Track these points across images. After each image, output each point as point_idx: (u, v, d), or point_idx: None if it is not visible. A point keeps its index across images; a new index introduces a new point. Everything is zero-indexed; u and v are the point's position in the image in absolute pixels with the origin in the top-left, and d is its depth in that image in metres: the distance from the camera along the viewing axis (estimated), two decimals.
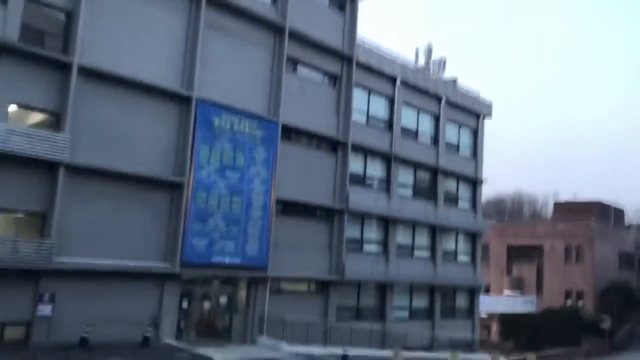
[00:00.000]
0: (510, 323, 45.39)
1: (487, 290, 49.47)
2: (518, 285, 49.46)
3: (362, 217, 27.13)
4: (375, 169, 28.32)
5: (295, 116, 23.78)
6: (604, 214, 49.84)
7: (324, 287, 25.01)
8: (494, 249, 51.66)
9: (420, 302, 30.50)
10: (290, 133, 24.02)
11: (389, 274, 27.69)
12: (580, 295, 46.61)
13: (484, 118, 35.17)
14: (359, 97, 27.09)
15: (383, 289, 27.91)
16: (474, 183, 34.40)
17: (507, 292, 49.83)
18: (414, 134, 30.59)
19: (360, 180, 27.39)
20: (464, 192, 34.02)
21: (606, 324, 42.62)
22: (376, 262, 27.33)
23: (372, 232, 28.05)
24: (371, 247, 27.83)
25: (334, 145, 25.81)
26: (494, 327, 48.23)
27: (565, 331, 42.76)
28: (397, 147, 28.81)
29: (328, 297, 24.95)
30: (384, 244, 28.28)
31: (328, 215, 25.47)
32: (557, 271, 47.77)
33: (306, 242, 24.25)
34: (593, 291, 46.08)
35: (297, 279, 24.15)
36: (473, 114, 34.44)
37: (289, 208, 23.95)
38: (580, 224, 47.33)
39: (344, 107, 26.07)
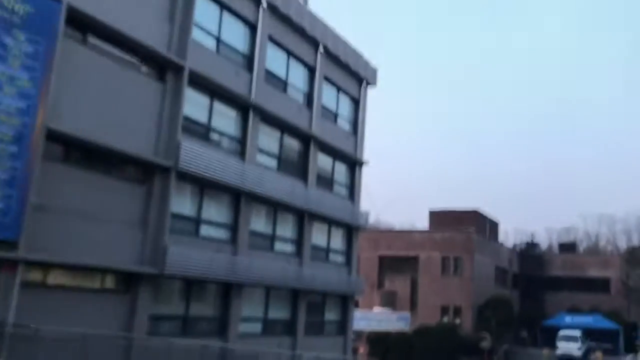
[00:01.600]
0: (381, 343, 39.35)
1: (356, 306, 43.11)
2: (390, 301, 43.46)
3: (200, 185, 18.57)
4: (226, 120, 19.99)
5: (98, 3, 14.82)
6: (480, 224, 45.92)
7: (130, 283, 15.90)
8: (365, 259, 45.40)
9: (280, 312, 22.46)
10: (85, 29, 14.94)
11: (238, 271, 19.24)
12: (457, 312, 41.62)
13: (367, 86, 28.56)
14: (205, 10, 18.67)
15: (227, 291, 19.42)
16: (353, 165, 27.42)
17: (378, 308, 43.65)
18: (282, 84, 22.82)
19: (202, 131, 18.89)
20: (341, 174, 26.86)
21: (486, 344, 37.80)
22: (219, 253, 18.78)
23: (216, 209, 19.57)
24: (213, 231, 19.26)
25: (163, 68, 17.09)
26: (362, 349, 41.84)
27: (441, 351, 37.45)
28: (259, 95, 20.79)
29: (136, 300, 15.86)
30: (233, 228, 19.88)
31: (146, 173, 16.59)
32: (433, 285, 42.52)
33: (104, 210, 15.14)
34: (471, 307, 41.31)
35: (81, 268, 14.79)
36: (355, 78, 27.62)
37: (74, 151, 14.77)
38: (461, 232, 42.67)
39: (181, 15, 17.48)
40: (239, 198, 20.02)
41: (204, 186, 18.69)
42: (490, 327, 39.90)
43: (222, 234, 19.59)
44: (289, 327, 22.67)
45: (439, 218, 46.21)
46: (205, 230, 18.83)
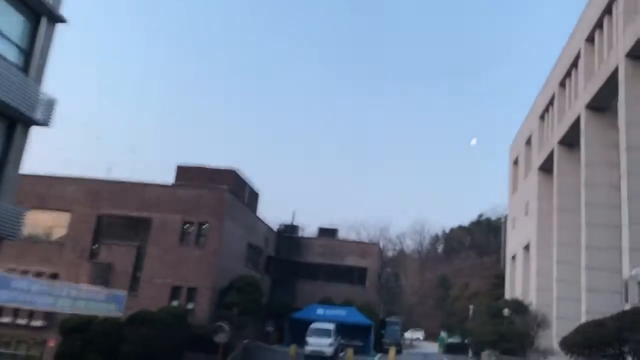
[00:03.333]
0: (78, 333, 27.78)
1: (54, 278, 30.59)
2: (104, 276, 31.77)
3: None
4: None
5: None
6: (238, 188, 37.11)
7: None
8: (78, 218, 33.11)
9: None
10: None
11: None
12: (192, 294, 31.85)
13: None
14: None
15: None
16: (37, 15, 15.78)
17: (85, 285, 31.59)
18: None
19: None
20: (7, 21, 15.01)
21: (221, 337, 28.66)
22: None
23: None
24: None
25: None
26: (52, 342, 29.58)
27: (164, 345, 27.44)
28: None
29: None
30: None
31: None
32: (166, 257, 32.13)
33: None
34: (212, 289, 31.94)
35: None
36: None
37: None
38: (212, 190, 33.23)
39: None
40: None
41: None
42: (231, 317, 31.08)
43: None
44: None
45: (188, 175, 36.09)
46: None
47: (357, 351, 37.75)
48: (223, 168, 36.56)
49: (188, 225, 32.55)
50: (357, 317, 40.37)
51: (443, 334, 60.94)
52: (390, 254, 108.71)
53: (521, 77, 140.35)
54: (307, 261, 46.32)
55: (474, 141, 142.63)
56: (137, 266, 32.35)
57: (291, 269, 45.57)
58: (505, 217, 51.57)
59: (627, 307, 18.48)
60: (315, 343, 33.98)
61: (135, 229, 33.30)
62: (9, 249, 16.60)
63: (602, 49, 23.80)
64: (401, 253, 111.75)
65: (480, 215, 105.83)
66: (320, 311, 40.51)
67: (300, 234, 48.12)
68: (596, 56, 24.36)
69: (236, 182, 36.80)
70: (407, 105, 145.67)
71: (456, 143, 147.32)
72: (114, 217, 33.27)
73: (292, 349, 34.32)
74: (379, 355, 40.35)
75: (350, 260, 46.21)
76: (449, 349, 53.71)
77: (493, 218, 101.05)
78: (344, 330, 38.16)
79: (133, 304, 30.42)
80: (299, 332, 37.30)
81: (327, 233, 49.16)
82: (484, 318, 31.78)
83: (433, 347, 61.98)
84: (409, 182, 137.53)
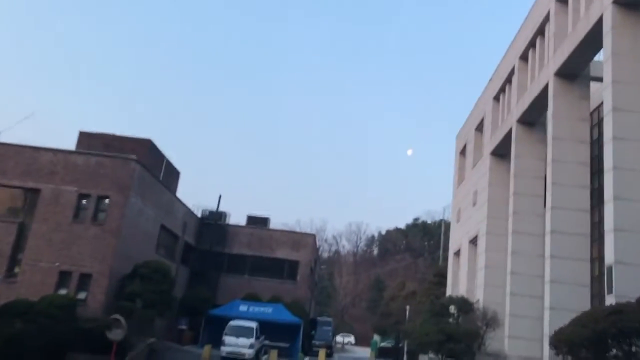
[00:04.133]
0: None
1: None
2: None
3: None
4: None
5: None
6: (154, 162, 31.95)
7: None
8: None
9: None
10: None
11: None
12: (85, 281, 26.46)
13: None
14: None
15: None
16: None
17: None
18: None
19: None
20: None
21: (116, 333, 23.47)
22: None
23: None
24: None
25: None
26: None
27: (43, 342, 22.15)
28: None
29: None
30: None
31: None
32: (55, 237, 26.60)
33: None
34: (110, 276, 26.63)
35: None
36: None
37: None
38: (117, 158, 27.99)
39: None
40: None
41: None
42: (133, 310, 26.00)
43: None
44: None
45: (93, 143, 30.65)
46: None
47: (283, 353, 33.44)
48: (135, 137, 31.34)
49: (84, 198, 27.15)
50: (284, 315, 36.00)
51: (376, 337, 57.80)
52: (325, 255, 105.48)
53: (465, 77, 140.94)
54: (233, 252, 41.51)
55: (409, 152, 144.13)
56: (18, 246, 26.65)
57: (213, 261, 40.60)
58: (442, 221, 48.92)
59: (611, 298, 15.13)
60: (234, 343, 29.35)
61: (19, 201, 27.58)
62: None
63: (578, 6, 20.67)
64: (336, 254, 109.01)
65: (416, 219, 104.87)
66: (242, 308, 35.90)
67: (227, 222, 43.18)
68: (570, 15, 21.23)
69: (151, 153, 31.67)
70: (343, 105, 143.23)
71: (394, 146, 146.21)
72: None
73: (206, 349, 29.51)
74: (307, 358, 36.13)
75: (281, 253, 41.75)
76: (381, 353, 50.47)
77: (429, 222, 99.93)
78: (269, 329, 33.73)
79: (10, 292, 24.96)
80: (217, 331, 32.53)
81: (257, 221, 44.44)
82: (427, 317, 28.15)
83: (365, 352, 58.76)
84: (346, 182, 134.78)
